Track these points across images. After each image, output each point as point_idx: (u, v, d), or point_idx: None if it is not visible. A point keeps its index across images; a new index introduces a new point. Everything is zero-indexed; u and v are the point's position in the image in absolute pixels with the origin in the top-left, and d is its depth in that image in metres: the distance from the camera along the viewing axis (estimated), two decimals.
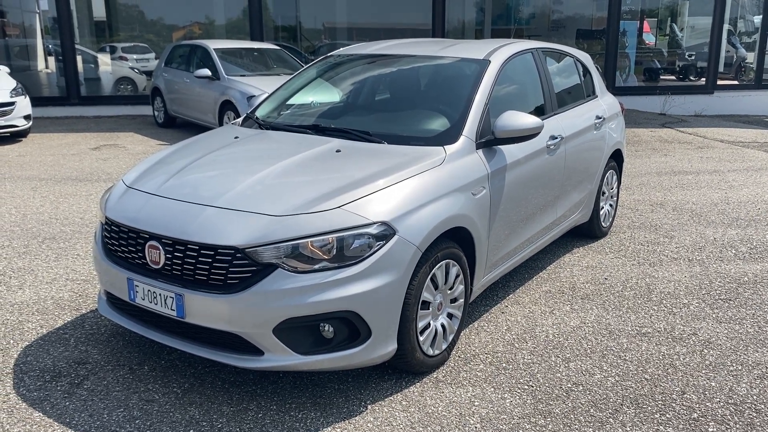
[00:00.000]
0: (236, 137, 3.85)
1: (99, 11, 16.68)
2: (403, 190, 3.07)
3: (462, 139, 3.52)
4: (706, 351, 3.58)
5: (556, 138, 4.29)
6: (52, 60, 16.31)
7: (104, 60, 16.03)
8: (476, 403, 3.06)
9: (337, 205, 2.90)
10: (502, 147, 3.73)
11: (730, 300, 4.26)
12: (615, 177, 5.57)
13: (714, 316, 4.02)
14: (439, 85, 4.11)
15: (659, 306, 4.15)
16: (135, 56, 16.50)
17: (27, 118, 10.31)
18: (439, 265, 3.20)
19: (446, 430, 2.85)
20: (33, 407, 2.99)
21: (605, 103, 5.36)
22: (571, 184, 4.64)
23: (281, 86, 4.53)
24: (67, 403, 3.02)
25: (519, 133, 3.61)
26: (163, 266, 2.95)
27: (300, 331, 2.83)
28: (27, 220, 5.91)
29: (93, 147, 9.80)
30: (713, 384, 3.24)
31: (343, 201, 2.92)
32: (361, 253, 2.84)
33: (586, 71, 5.34)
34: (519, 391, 3.17)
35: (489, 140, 3.63)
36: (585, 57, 5.44)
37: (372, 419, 2.92)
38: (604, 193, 5.39)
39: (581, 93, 5.11)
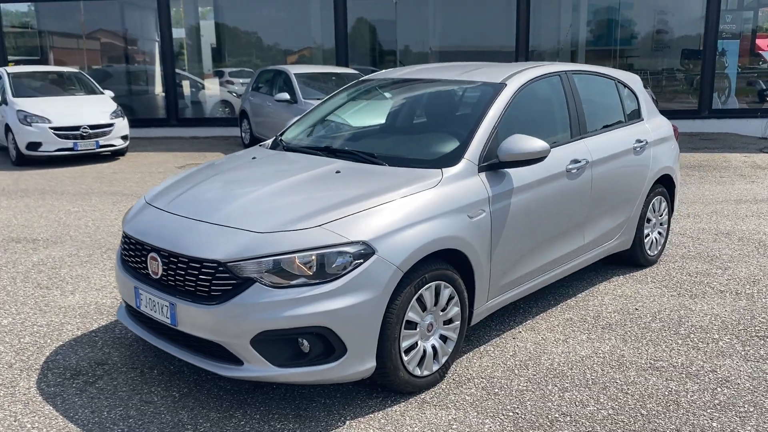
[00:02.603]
0: (254, 158, 4.07)
1: (219, 38, 17.73)
2: (388, 210, 3.14)
3: (463, 162, 3.55)
4: (719, 389, 3.37)
5: (580, 162, 4.20)
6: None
7: (207, 84, 17.08)
8: (454, 426, 3.05)
9: (318, 224, 3.01)
10: (510, 170, 3.71)
11: (765, 338, 3.98)
12: (664, 203, 5.33)
13: (743, 353, 3.77)
14: (453, 108, 4.15)
15: (685, 340, 3.94)
16: (241, 80, 17.46)
17: (124, 138, 11.17)
18: (427, 286, 3.23)
19: None
20: (46, 401, 3.28)
21: (652, 126, 5.17)
22: (602, 210, 4.51)
23: (312, 109, 4.72)
24: (76, 399, 3.29)
25: (523, 157, 3.58)
26: (161, 276, 3.17)
27: (277, 344, 2.95)
28: (99, 232, 6.42)
29: (179, 165, 10.47)
30: (714, 424, 3.06)
31: (325, 220, 3.03)
32: (340, 271, 2.93)
33: (632, 94, 5.18)
34: (502, 417, 3.12)
35: (493, 164, 3.63)
36: (632, 79, 5.28)
37: None
38: (649, 219, 5.18)
39: (620, 116, 4.96)
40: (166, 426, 3.06)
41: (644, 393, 3.33)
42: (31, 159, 10.58)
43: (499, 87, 3.99)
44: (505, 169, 3.70)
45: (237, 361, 3.00)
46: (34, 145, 10.37)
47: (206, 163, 4.23)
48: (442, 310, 3.38)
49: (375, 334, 3.03)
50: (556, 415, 3.14)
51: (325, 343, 2.96)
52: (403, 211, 3.17)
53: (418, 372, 3.29)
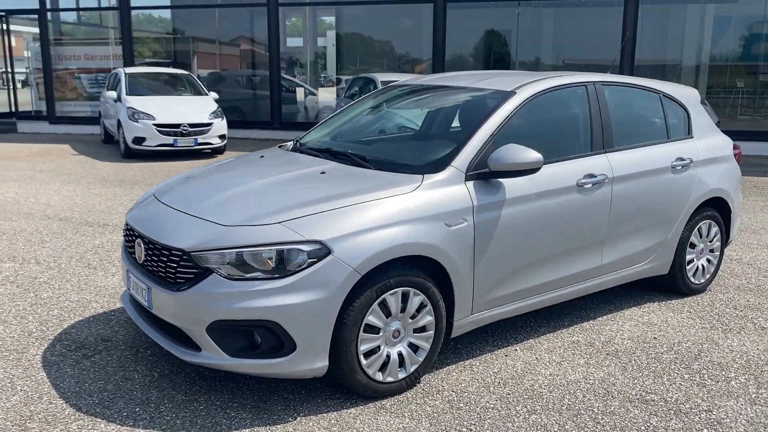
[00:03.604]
0: (262, 156, 4.21)
1: (339, 47, 18.36)
2: (355, 212, 3.15)
3: (449, 169, 3.48)
4: (705, 431, 3.08)
5: (596, 177, 3.99)
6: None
7: (321, 91, 17.73)
8: None
9: (279, 221, 3.08)
10: (504, 181, 3.60)
11: None
12: (715, 229, 4.92)
13: (753, 396, 3.42)
14: (458, 115, 4.08)
15: (693, 375, 3.63)
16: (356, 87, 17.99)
17: (222, 137, 11.83)
18: (392, 291, 3.21)
19: None
20: (43, 368, 3.58)
21: (702, 145, 4.79)
22: (627, 229, 4.25)
23: (338, 112, 4.80)
24: (68, 370, 3.57)
25: (513, 167, 3.47)
26: (143, 262, 3.38)
27: (231, 334, 3.05)
28: None
29: None
30: None
31: (288, 217, 3.09)
32: (296, 268, 2.99)
33: (681, 109, 4.83)
34: None
35: (484, 173, 3.54)
36: (684, 94, 4.92)
37: (291, 430, 3.03)
38: (693, 245, 4.80)
39: (662, 132, 4.64)
40: (133, 402, 3.24)
41: (618, 425, 3.12)
42: (136, 152, 11.45)
43: (507, 95, 3.88)
44: (499, 179, 3.59)
45: (196, 348, 3.13)
46: (138, 140, 11.23)
47: (224, 159, 4.42)
48: (412, 318, 3.34)
49: (327, 334, 3.05)
50: None
51: (275, 338, 3.02)
52: (370, 214, 3.17)
53: (379, 377, 3.27)
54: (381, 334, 3.24)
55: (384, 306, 3.21)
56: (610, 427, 3.10)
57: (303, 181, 3.54)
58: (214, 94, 12.79)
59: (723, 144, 5.01)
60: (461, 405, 3.28)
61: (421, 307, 3.35)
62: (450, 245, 3.36)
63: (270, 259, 2.99)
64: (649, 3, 13.67)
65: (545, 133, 4.03)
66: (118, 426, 3.03)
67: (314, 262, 3.00)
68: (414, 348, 3.39)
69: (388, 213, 3.20)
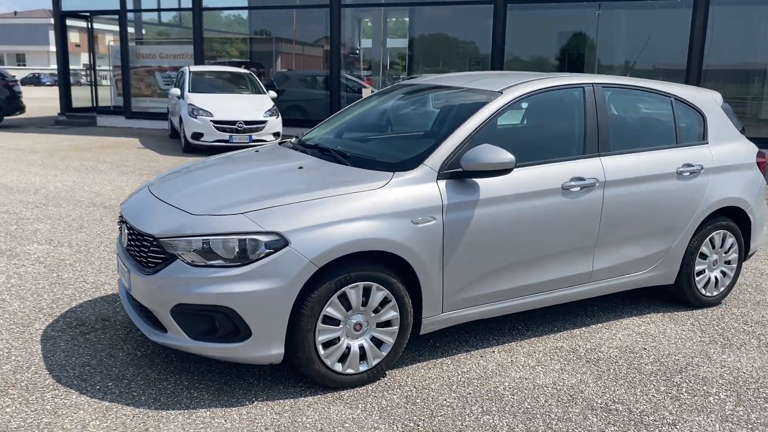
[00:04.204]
0: (257, 151, 4.36)
1: (411, 47, 18.47)
2: (317, 206, 3.24)
3: (421, 167, 3.51)
4: None
5: (584, 180, 3.91)
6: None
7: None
8: (346, 425, 3.07)
9: (242, 212, 3.20)
10: (480, 181, 3.60)
11: None
12: (731, 240, 4.70)
13: (727, 413, 3.28)
14: (445, 114, 4.09)
15: (670, 388, 3.51)
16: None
17: (276, 134, 12.16)
18: (353, 285, 3.27)
19: None
20: (40, 342, 3.85)
21: (718, 151, 4.60)
22: (622, 236, 4.14)
23: (343, 110, 4.90)
24: (62, 344, 3.82)
25: (484, 167, 3.46)
26: (126, 246, 3.58)
27: (193, 318, 3.19)
28: None
29: None
30: None
31: (251, 208, 3.21)
32: (255, 257, 3.11)
33: (696, 114, 4.64)
34: (399, 426, 3.07)
35: (458, 172, 3.54)
36: (702, 98, 4.72)
37: (245, 413, 3.15)
38: (705, 255, 4.61)
39: (670, 136, 4.48)
40: (109, 377, 3.45)
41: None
42: (194, 147, 11.94)
43: (493, 96, 3.86)
44: (475, 179, 3.59)
45: (163, 329, 3.30)
46: (197, 135, 11.71)
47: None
48: (375, 312, 3.39)
49: (283, 323, 3.15)
50: None
51: (231, 323, 3.14)
52: (332, 208, 3.25)
53: (339, 368, 3.34)
54: (341, 326, 3.31)
55: (344, 299, 3.28)
56: None
57: (277, 175, 3.66)
58: (272, 93, 13.17)
59: (744, 151, 4.78)
60: (417, 401, 3.31)
61: (385, 302, 3.40)
62: (416, 243, 3.39)
63: (231, 248, 3.12)
64: (719, 4, 13.05)
65: (531, 135, 3.98)
66: (88, 398, 3.23)
67: (271, 253, 3.11)
68: (378, 342, 3.44)
69: (351, 208, 3.27)
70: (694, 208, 4.42)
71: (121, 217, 3.75)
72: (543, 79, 4.07)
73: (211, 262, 3.13)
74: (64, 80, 17.92)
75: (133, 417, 3.08)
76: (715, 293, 4.74)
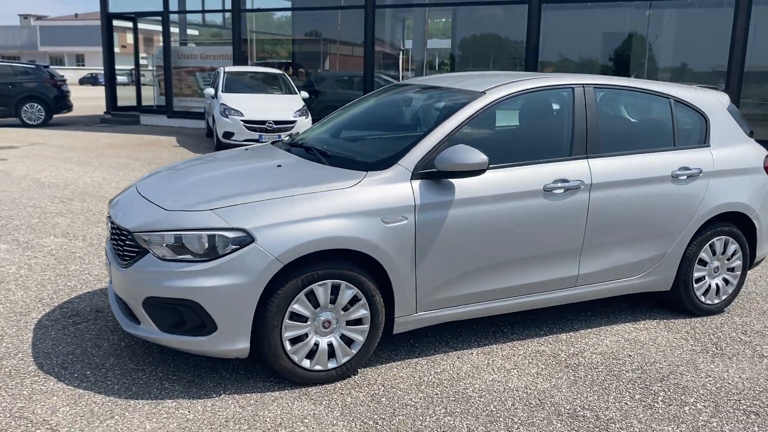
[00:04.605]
0: (246, 149, 4.43)
1: (454, 47, 18.45)
2: (285, 204, 3.28)
3: (395, 167, 3.52)
4: None
5: (569, 182, 3.85)
6: None
7: None
8: (306, 421, 3.10)
9: (211, 208, 3.27)
10: (456, 181, 3.58)
11: (758, 414, 3.28)
12: (734, 246, 4.55)
13: (699, 424, 3.18)
14: (429, 114, 4.07)
15: (646, 396, 3.43)
16: None
17: None
18: (322, 282, 3.31)
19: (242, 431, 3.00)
20: (33, 330, 4.01)
21: (720, 154, 4.45)
22: (611, 240, 4.06)
23: (340, 109, 4.94)
24: (53, 333, 3.97)
25: (457, 168, 3.45)
26: (110, 239, 3.70)
27: (163, 310, 3.27)
28: None
29: None
30: None
31: (221, 205, 3.28)
32: (222, 253, 3.17)
33: (698, 116, 4.51)
34: (359, 423, 3.09)
35: (432, 172, 3.54)
36: (704, 99, 4.57)
37: (209, 405, 3.21)
38: (704, 262, 4.47)
39: (665, 139, 4.35)
40: (89, 366, 3.57)
41: None
42: (226, 146, 12.16)
43: (475, 96, 3.84)
44: (451, 180, 3.58)
45: (137, 321, 3.39)
46: (228, 134, 11.93)
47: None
48: (344, 310, 3.41)
49: (248, 318, 3.20)
50: None
51: (198, 317, 3.21)
52: (301, 206, 3.28)
53: (306, 364, 3.38)
54: (309, 323, 3.35)
55: (312, 296, 3.32)
56: None
57: (255, 174, 3.72)
58: (304, 94, 13.31)
59: (751, 155, 4.62)
60: (383, 400, 3.32)
61: (355, 300, 3.42)
62: (387, 242, 3.40)
63: (201, 243, 3.19)
64: (761, 4, 12.59)
65: (514, 136, 3.94)
66: (64, 385, 3.35)
67: (237, 249, 3.16)
68: (348, 340, 3.47)
69: (319, 207, 3.30)
70: (691, 212, 4.30)
71: (108, 212, 3.87)
72: (530, 80, 4.02)
73: (181, 257, 3.21)
74: (109, 80, 18.51)
75: (102, 404, 3.18)
76: (716, 301, 4.59)
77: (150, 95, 18.88)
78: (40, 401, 3.20)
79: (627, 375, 3.66)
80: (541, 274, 3.91)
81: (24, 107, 16.58)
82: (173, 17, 17.94)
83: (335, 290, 3.36)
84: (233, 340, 3.23)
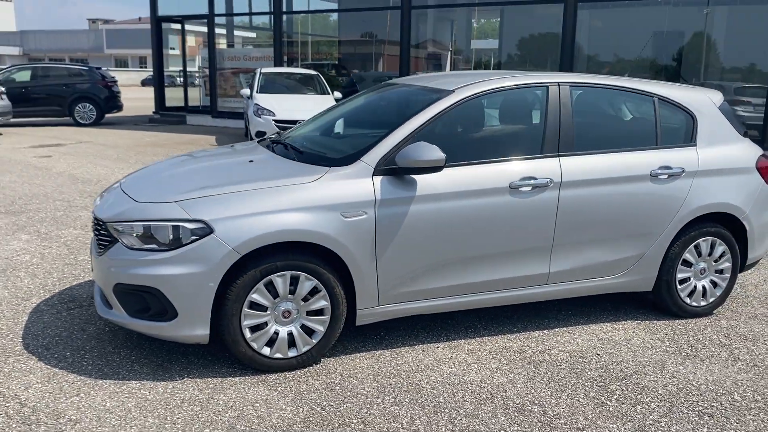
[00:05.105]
0: (232, 146, 4.61)
1: (501, 48, 18.42)
2: (246, 197, 3.43)
3: (357, 163, 3.62)
4: None
5: (536, 180, 3.87)
6: None
7: None
8: (257, 405, 3.24)
9: (176, 200, 3.45)
10: (419, 177, 3.66)
11: (712, 416, 3.25)
12: (722, 248, 4.46)
13: (647, 422, 3.16)
14: (398, 112, 4.15)
15: (601, 394, 3.42)
16: None
17: None
18: (281, 273, 3.44)
19: (200, 414, 3.15)
20: (30, 314, 4.28)
21: (706, 154, 4.37)
22: (584, 238, 4.05)
23: (330, 107, 5.06)
24: (46, 318, 4.23)
25: (415, 164, 3.52)
26: (94, 230, 3.93)
27: (131, 296, 3.47)
28: None
29: None
30: None
31: (185, 197, 3.45)
32: (183, 243, 3.35)
33: (685, 114, 4.44)
34: (306, 408, 3.20)
35: (394, 169, 3.62)
36: (692, 98, 4.48)
37: (170, 387, 3.39)
38: (689, 263, 4.41)
39: (647, 138, 4.30)
40: (70, 347, 3.80)
41: (471, 428, 3.08)
42: None
43: (443, 94, 3.90)
44: (414, 176, 3.66)
45: (110, 306, 3.60)
46: (260, 134, 12.21)
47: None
48: (304, 301, 3.53)
49: (207, 306, 3.36)
50: (354, 420, 3.11)
51: (160, 303, 3.39)
52: (261, 200, 3.42)
53: (266, 352, 3.52)
54: (269, 312, 3.48)
55: (272, 286, 3.45)
56: (460, 429, 3.07)
57: (226, 169, 3.89)
58: (337, 94, 13.51)
59: (741, 154, 4.52)
60: (336, 388, 3.42)
61: (315, 291, 3.54)
62: (346, 236, 3.50)
63: (166, 234, 3.36)
64: None
65: (481, 133, 3.98)
66: (43, 364, 3.59)
67: (197, 239, 3.33)
68: (309, 330, 3.59)
69: (279, 200, 3.44)
70: (672, 212, 4.24)
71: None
72: (502, 78, 4.06)
73: (146, 246, 3.39)
74: (158, 81, 19.18)
75: (72, 383, 3.39)
76: (702, 303, 4.51)
77: (197, 96, 19.46)
78: (17, 378, 3.43)
79: (588, 373, 3.66)
80: (509, 270, 3.94)
81: (77, 107, 17.37)
82: (219, 20, 18.46)
83: (294, 281, 3.49)
84: (193, 327, 3.39)
